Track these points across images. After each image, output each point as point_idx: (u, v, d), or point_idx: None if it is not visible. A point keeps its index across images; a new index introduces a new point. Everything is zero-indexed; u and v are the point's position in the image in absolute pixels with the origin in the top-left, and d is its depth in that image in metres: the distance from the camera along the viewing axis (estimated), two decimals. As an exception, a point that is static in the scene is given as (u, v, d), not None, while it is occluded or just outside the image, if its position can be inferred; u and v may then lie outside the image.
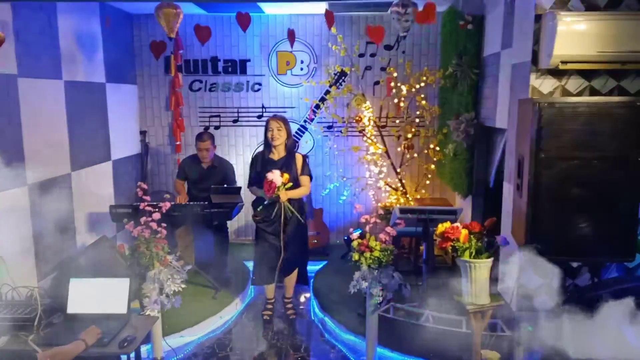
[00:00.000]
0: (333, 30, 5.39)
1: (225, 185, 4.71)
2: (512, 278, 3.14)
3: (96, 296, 2.72)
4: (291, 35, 4.54)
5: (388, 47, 5.53)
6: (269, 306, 4.19)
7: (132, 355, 2.58)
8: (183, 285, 3.30)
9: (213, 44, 5.59)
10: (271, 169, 3.79)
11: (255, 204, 4.00)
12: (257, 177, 3.91)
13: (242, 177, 5.37)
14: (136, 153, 5.67)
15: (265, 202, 3.85)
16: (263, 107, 5.71)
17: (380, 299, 3.21)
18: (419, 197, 5.50)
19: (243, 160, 5.69)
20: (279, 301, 4.30)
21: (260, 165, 3.93)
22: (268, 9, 5.23)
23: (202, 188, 4.67)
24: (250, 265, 4.71)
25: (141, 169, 5.73)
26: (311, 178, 4.01)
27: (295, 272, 4.14)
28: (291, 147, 3.96)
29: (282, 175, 3.69)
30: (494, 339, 3.07)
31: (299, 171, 3.92)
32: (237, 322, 4.18)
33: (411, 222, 3.68)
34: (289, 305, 4.20)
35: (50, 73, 3.99)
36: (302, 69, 5.61)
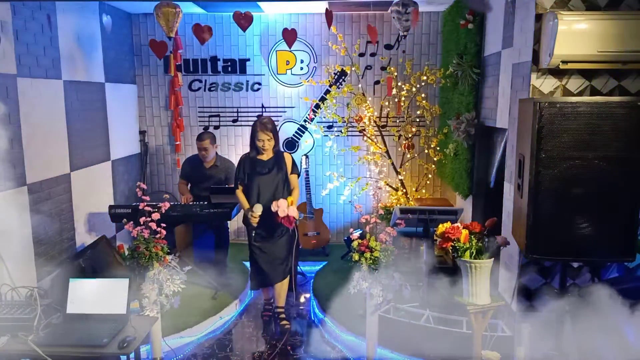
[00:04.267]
0: (333, 29, 5.39)
1: (226, 185, 4.70)
2: (512, 278, 3.14)
3: (95, 296, 2.72)
4: (287, 35, 4.50)
5: (388, 47, 5.52)
6: (268, 307, 4.17)
7: (132, 355, 2.58)
8: (182, 286, 3.29)
9: (212, 44, 5.58)
10: (261, 170, 3.82)
11: (249, 227, 3.91)
12: (247, 178, 3.86)
13: (242, 176, 5.36)
14: (135, 153, 5.67)
15: (257, 230, 3.80)
16: (263, 106, 5.70)
17: (381, 299, 3.21)
18: (419, 197, 5.50)
19: (243, 160, 5.69)
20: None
21: (250, 166, 3.86)
22: (268, 8, 5.22)
23: (205, 187, 4.66)
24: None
25: (140, 169, 5.73)
26: (298, 175, 4.02)
27: (287, 280, 4.00)
28: (278, 150, 3.93)
29: (287, 200, 3.67)
30: (494, 339, 3.07)
31: (289, 170, 3.91)
32: (237, 322, 4.18)
33: (412, 222, 3.67)
34: (282, 316, 4.03)
35: (50, 73, 3.98)
36: (302, 69, 5.60)
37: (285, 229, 3.84)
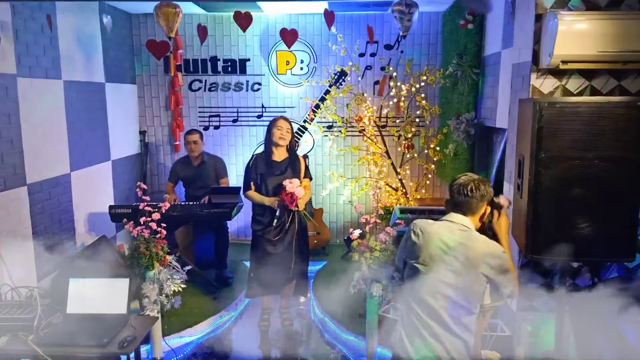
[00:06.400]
0: (333, 29, 5.39)
1: (217, 182, 4.73)
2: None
3: (96, 296, 2.71)
4: (286, 35, 4.47)
5: (388, 47, 5.52)
6: (265, 316, 3.96)
7: (132, 355, 2.58)
8: (183, 286, 3.29)
9: (212, 44, 5.58)
10: (275, 170, 3.67)
11: (256, 230, 3.76)
12: (259, 178, 3.72)
13: (240, 177, 5.35)
14: (136, 153, 5.67)
15: (278, 213, 3.62)
16: (263, 107, 5.70)
17: (381, 299, 3.21)
18: (419, 197, 5.50)
19: (242, 160, 5.68)
20: (275, 310, 4.08)
21: (263, 166, 3.72)
22: (268, 8, 5.22)
23: (197, 187, 4.68)
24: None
25: (141, 169, 5.73)
26: (311, 179, 3.90)
27: (294, 282, 3.88)
28: (293, 148, 3.81)
29: (301, 183, 3.52)
30: (494, 339, 3.07)
31: (302, 174, 3.78)
32: (237, 322, 4.18)
33: (412, 222, 3.66)
34: (285, 316, 3.96)
35: (50, 73, 3.98)
36: (302, 69, 5.60)
37: (296, 232, 3.71)
